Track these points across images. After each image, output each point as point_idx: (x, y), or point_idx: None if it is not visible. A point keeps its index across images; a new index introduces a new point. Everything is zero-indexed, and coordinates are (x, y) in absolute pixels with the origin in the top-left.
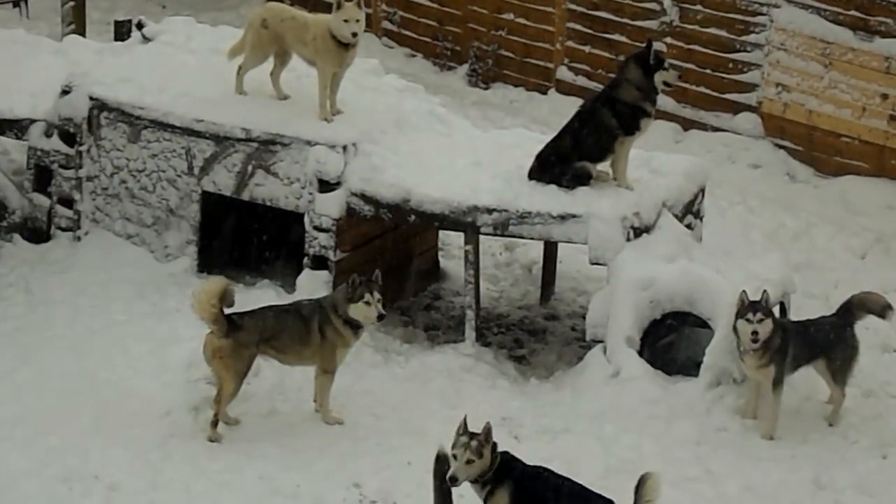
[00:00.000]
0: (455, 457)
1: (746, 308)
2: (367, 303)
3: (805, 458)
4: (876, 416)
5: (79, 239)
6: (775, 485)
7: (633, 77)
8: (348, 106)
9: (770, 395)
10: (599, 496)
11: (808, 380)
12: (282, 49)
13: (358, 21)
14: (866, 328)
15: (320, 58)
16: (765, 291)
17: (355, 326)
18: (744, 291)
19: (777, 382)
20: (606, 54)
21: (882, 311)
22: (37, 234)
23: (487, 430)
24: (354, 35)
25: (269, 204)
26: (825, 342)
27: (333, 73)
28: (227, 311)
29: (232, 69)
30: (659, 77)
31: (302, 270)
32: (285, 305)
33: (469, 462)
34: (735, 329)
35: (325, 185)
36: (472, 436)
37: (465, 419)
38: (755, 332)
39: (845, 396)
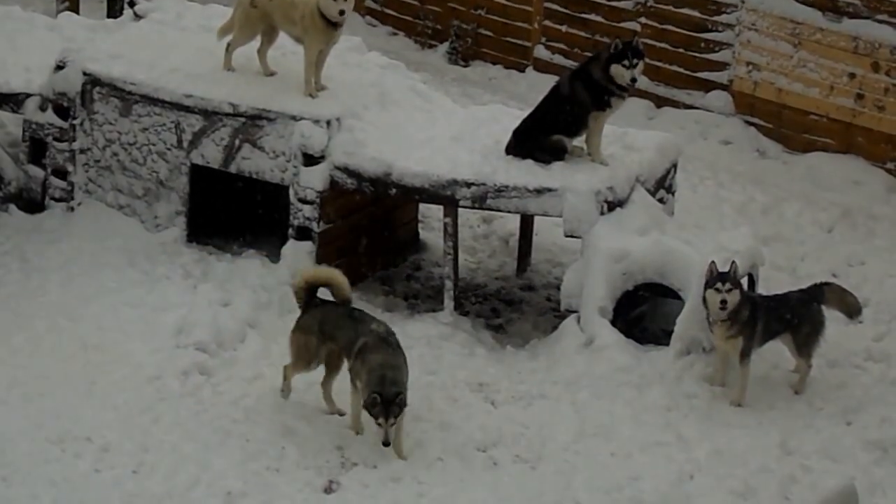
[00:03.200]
0: None
1: (715, 278)
2: (379, 424)
3: (772, 424)
4: (840, 384)
5: (72, 209)
6: (743, 450)
7: (602, 60)
8: (332, 82)
9: (738, 366)
10: None
11: (775, 349)
12: (269, 27)
13: (346, 0)
14: None
15: (307, 35)
16: (733, 262)
17: None
18: (712, 262)
19: (745, 354)
20: (582, 33)
21: (852, 314)
22: (32, 204)
23: None
24: (342, 13)
25: (255, 177)
26: (793, 317)
27: (319, 51)
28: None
29: (221, 46)
30: (614, 69)
31: (286, 241)
32: (358, 312)
33: None
34: (704, 299)
35: (310, 159)
36: None
37: None
38: (724, 301)
39: (811, 367)
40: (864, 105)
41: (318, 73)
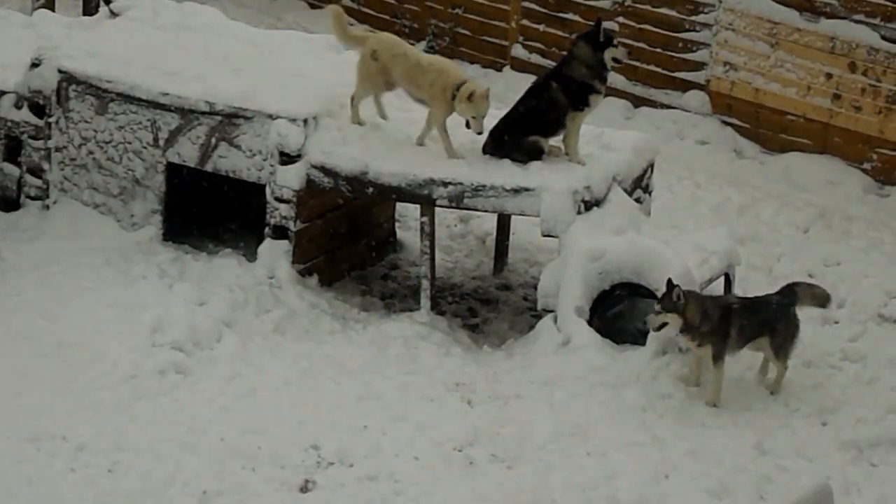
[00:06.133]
0: None
1: (661, 297)
2: None
3: (747, 424)
4: (816, 385)
5: (47, 208)
6: (719, 449)
7: (583, 55)
8: (309, 81)
9: (711, 368)
10: None
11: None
12: (388, 80)
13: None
14: None
15: (435, 104)
16: (676, 287)
17: None
18: (669, 280)
19: (717, 357)
20: (560, 33)
21: (823, 304)
22: (7, 202)
23: None
24: (480, 133)
25: (231, 175)
26: (769, 320)
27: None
28: None
29: (198, 42)
30: (608, 54)
31: (263, 240)
32: None
33: None
34: None
35: (286, 158)
36: None
37: None
38: (646, 321)
39: (787, 369)
40: (841, 105)
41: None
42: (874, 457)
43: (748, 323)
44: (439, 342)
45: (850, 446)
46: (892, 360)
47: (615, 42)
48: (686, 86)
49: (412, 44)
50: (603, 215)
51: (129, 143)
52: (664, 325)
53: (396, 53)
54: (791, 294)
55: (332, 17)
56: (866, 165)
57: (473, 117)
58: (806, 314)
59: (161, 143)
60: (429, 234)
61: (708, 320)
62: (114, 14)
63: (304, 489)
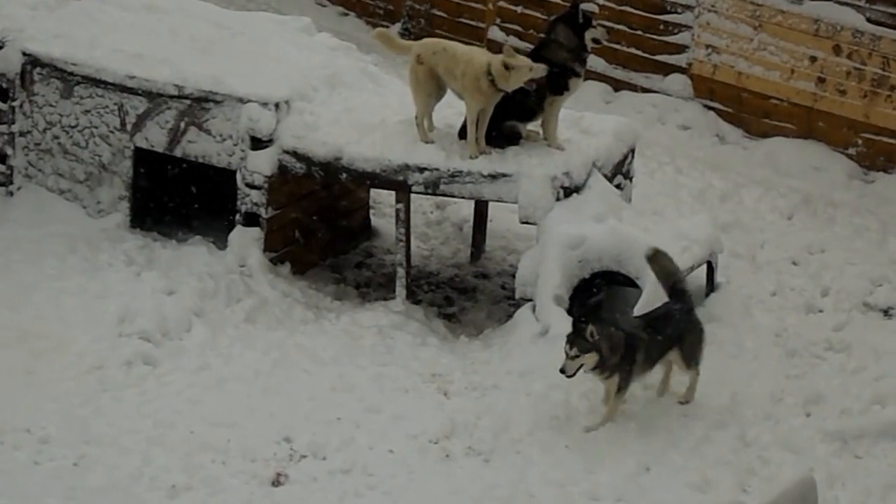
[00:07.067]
0: None
1: (568, 335)
2: None
3: (730, 415)
4: (800, 374)
5: (11, 194)
6: (701, 441)
7: (562, 38)
8: (281, 63)
9: (610, 398)
10: None
11: (734, 339)
12: (439, 82)
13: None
14: (791, 289)
15: (467, 94)
16: (588, 325)
17: None
18: (585, 322)
19: (621, 389)
20: (538, 14)
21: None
22: None
23: None
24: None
25: (201, 161)
26: (676, 333)
27: (482, 110)
28: None
29: (169, 28)
30: (588, 35)
31: (234, 227)
32: None
33: None
34: None
35: (258, 143)
36: None
37: None
38: (562, 370)
39: (699, 374)
40: (826, 89)
41: (482, 131)
42: (859, 448)
43: (654, 344)
44: (415, 332)
45: (835, 438)
46: (876, 349)
47: (594, 23)
48: (667, 69)
49: (386, 26)
50: (582, 202)
51: (96, 127)
52: (580, 367)
53: (437, 51)
54: (680, 296)
55: (381, 40)
56: (851, 151)
57: (532, 79)
58: (790, 303)
59: (128, 127)
60: (404, 221)
61: (615, 352)
62: None
63: (275, 483)
